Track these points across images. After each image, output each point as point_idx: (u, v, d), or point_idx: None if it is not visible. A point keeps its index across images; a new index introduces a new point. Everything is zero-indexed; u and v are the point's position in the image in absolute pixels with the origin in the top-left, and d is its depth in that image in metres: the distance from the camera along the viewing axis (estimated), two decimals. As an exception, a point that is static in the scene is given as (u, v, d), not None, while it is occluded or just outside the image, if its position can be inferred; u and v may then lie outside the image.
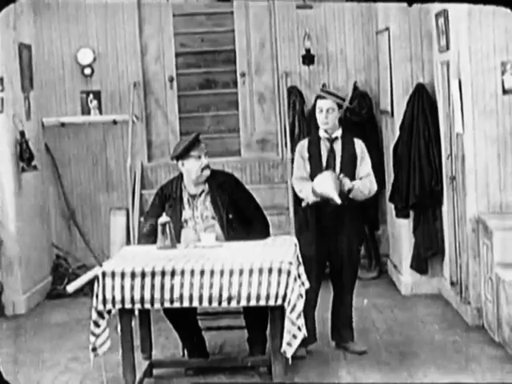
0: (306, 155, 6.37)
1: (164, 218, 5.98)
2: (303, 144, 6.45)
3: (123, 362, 5.62)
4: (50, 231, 9.28)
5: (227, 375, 6.09)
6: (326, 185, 6.10)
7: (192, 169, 6.18)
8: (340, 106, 6.33)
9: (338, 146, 6.36)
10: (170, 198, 6.24)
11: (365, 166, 6.38)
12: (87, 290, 8.93)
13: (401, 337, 6.86)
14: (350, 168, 6.33)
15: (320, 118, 6.33)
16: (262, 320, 6.04)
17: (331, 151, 6.35)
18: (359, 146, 6.41)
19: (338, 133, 6.37)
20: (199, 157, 6.15)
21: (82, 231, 9.40)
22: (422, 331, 6.97)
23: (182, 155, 6.16)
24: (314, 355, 6.41)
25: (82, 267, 9.31)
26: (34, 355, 6.81)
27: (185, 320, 6.16)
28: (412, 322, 7.26)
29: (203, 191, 6.22)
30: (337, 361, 6.32)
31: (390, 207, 8.57)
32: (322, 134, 6.38)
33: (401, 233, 8.23)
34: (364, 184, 6.30)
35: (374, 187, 6.41)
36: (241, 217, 6.19)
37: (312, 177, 6.28)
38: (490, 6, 6.42)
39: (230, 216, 6.16)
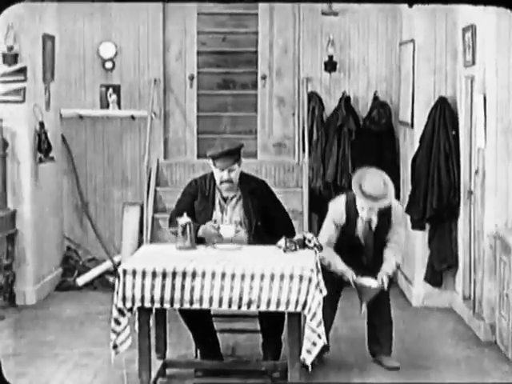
0: (343, 222, 6.20)
1: (184, 219, 5.97)
2: (341, 209, 6.22)
3: (139, 361, 5.61)
4: (63, 223, 9.28)
5: (239, 378, 6.09)
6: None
7: (215, 175, 6.20)
8: None
9: (374, 216, 6.20)
10: (202, 193, 6.23)
11: (394, 232, 6.27)
12: (97, 283, 9.00)
13: (413, 348, 6.85)
14: (383, 237, 6.27)
15: (363, 213, 6.13)
16: (277, 325, 6.05)
17: (369, 228, 6.22)
18: (396, 211, 6.24)
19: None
20: (222, 169, 6.15)
21: (94, 224, 9.40)
22: (433, 344, 6.96)
23: (211, 158, 6.18)
24: (328, 362, 6.42)
25: (92, 260, 9.34)
26: (46, 349, 6.80)
27: (200, 321, 6.15)
28: (424, 335, 7.26)
29: (235, 196, 6.22)
30: (349, 368, 6.33)
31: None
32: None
33: (414, 244, 8.23)
34: (390, 263, 6.23)
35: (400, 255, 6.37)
36: (268, 224, 6.20)
37: (339, 244, 6.22)
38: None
39: (259, 223, 6.17)
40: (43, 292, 8.42)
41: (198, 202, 6.22)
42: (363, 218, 6.17)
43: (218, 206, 6.23)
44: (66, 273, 9.10)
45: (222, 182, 6.15)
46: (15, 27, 7.79)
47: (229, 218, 6.20)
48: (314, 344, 5.38)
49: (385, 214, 6.20)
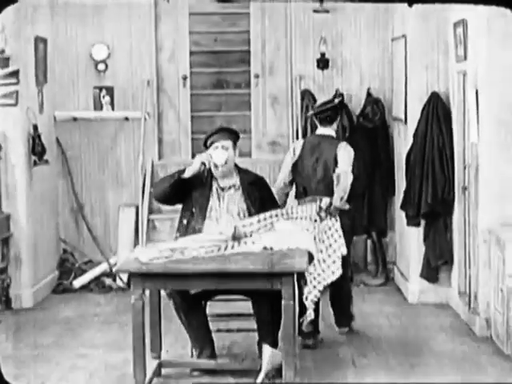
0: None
1: None
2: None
3: (134, 361, 5.60)
4: (58, 225, 9.27)
5: (235, 377, 6.09)
6: None
7: (211, 155, 6.22)
8: None
9: None
10: (199, 179, 6.22)
11: None
12: (93, 285, 8.99)
13: (409, 344, 6.86)
14: None
15: None
16: (273, 323, 6.05)
17: None
18: None
19: None
20: (216, 147, 6.18)
21: (90, 226, 9.38)
22: (429, 340, 6.96)
23: (205, 142, 6.27)
24: (324, 360, 6.43)
25: (89, 263, 9.31)
26: (42, 351, 6.79)
27: (197, 318, 6.16)
28: (420, 331, 7.26)
29: (234, 185, 6.24)
30: (345, 368, 6.32)
31: (399, 214, 8.57)
32: None
33: (410, 241, 8.22)
34: None
35: None
36: None
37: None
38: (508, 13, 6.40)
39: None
40: (40, 295, 8.41)
41: (195, 188, 6.22)
42: None
43: (215, 194, 6.25)
44: (62, 275, 9.08)
45: (216, 164, 6.16)
46: (6, 30, 7.79)
47: (226, 206, 6.22)
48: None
49: None
